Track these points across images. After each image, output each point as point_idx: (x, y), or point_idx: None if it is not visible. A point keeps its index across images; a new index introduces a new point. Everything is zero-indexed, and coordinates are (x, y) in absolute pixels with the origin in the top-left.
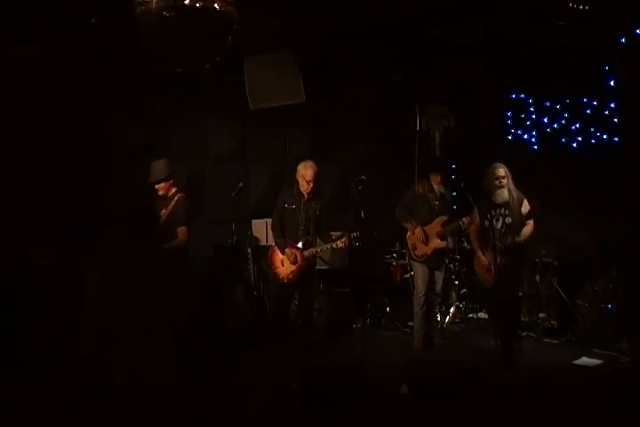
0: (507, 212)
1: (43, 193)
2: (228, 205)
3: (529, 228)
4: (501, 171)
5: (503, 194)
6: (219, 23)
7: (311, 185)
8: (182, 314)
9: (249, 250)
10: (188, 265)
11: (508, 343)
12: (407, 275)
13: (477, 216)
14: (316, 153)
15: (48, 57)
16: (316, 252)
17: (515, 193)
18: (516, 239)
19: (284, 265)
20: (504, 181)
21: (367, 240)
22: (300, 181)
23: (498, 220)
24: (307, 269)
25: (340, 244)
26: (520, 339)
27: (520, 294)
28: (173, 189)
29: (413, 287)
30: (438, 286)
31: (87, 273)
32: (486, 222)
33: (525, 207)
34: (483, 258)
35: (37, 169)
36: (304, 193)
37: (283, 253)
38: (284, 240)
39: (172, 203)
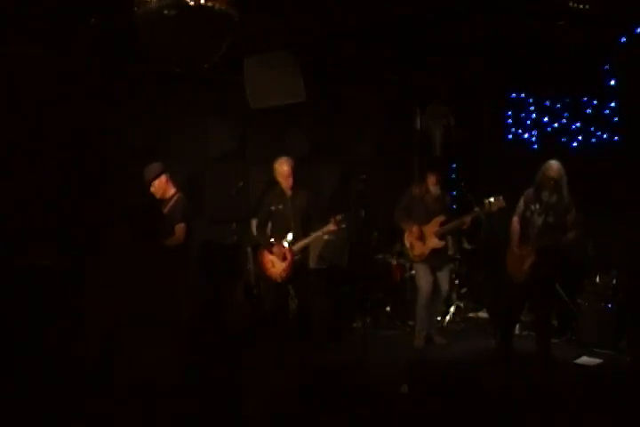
0: (550, 211)
1: (43, 193)
2: (228, 205)
3: (573, 234)
4: (555, 172)
5: (552, 197)
6: (219, 23)
7: (290, 180)
8: (184, 313)
9: (249, 250)
10: (189, 264)
11: (509, 343)
12: (407, 275)
13: (522, 205)
14: (315, 153)
15: (48, 57)
16: (305, 244)
17: (566, 197)
18: (555, 240)
19: (274, 266)
20: (554, 183)
21: (367, 240)
22: (279, 179)
23: (539, 215)
24: (299, 266)
25: (325, 230)
26: (549, 342)
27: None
28: (171, 191)
29: (415, 287)
30: (444, 287)
31: (87, 273)
32: (528, 213)
33: (572, 215)
34: (517, 251)
35: (37, 169)
36: (286, 191)
37: (271, 252)
38: (270, 240)
39: (171, 203)
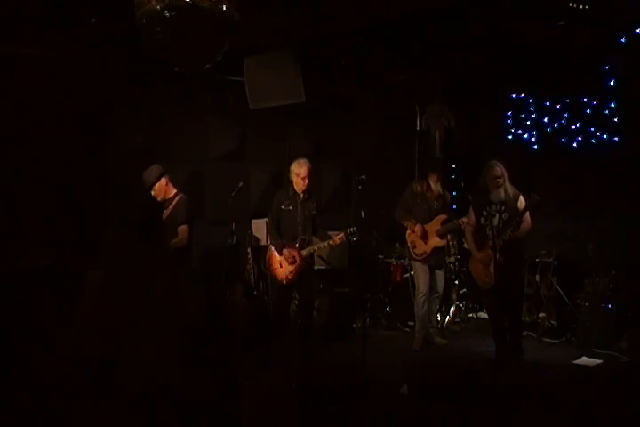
0: (503, 208)
1: (43, 193)
2: (228, 205)
3: (526, 224)
4: (498, 170)
5: (500, 194)
6: (219, 23)
7: (307, 182)
8: (185, 314)
9: (249, 250)
10: (190, 264)
11: (511, 343)
12: (407, 275)
13: (472, 215)
14: (316, 153)
15: (48, 57)
16: (314, 250)
17: (511, 191)
18: (515, 233)
19: (282, 266)
20: (500, 180)
21: (367, 240)
22: (294, 179)
23: (494, 216)
24: (305, 269)
25: (337, 240)
26: (521, 338)
27: (523, 291)
28: (172, 191)
29: (414, 287)
30: (440, 286)
31: (87, 273)
32: (482, 220)
33: (521, 203)
34: (479, 257)
35: (38, 169)
36: (300, 193)
37: (280, 254)
38: (282, 241)
39: (173, 203)
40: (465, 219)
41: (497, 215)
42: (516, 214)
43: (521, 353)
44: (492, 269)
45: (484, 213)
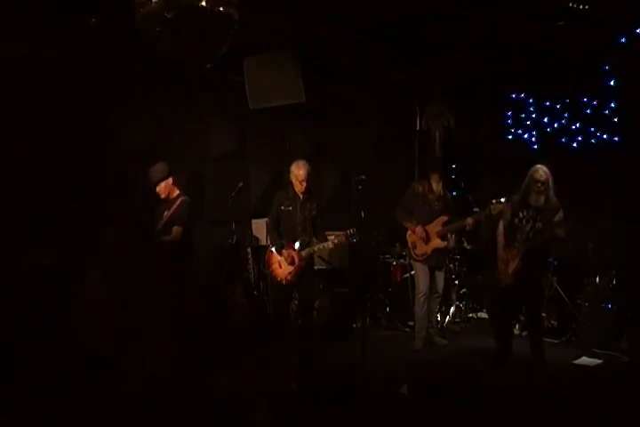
0: (538, 216)
1: (43, 193)
2: (228, 205)
3: (560, 232)
4: (542, 175)
5: (539, 200)
6: (219, 23)
7: (305, 184)
8: (185, 312)
9: (249, 250)
10: (188, 264)
11: (531, 343)
12: (407, 275)
13: (509, 213)
14: (316, 153)
15: (48, 57)
16: (313, 251)
17: (553, 200)
18: (541, 243)
19: (281, 267)
20: (542, 186)
21: (367, 240)
22: (293, 181)
23: (528, 222)
24: (305, 270)
25: (336, 241)
26: (542, 339)
27: (542, 296)
28: (176, 192)
29: (414, 287)
30: (440, 287)
31: (87, 273)
32: (516, 220)
33: (559, 217)
34: (502, 255)
35: (38, 169)
36: (299, 193)
37: (280, 254)
38: (281, 242)
39: (175, 205)
40: (470, 220)
41: (531, 222)
42: (550, 227)
43: (542, 352)
44: (510, 270)
45: (520, 215)
